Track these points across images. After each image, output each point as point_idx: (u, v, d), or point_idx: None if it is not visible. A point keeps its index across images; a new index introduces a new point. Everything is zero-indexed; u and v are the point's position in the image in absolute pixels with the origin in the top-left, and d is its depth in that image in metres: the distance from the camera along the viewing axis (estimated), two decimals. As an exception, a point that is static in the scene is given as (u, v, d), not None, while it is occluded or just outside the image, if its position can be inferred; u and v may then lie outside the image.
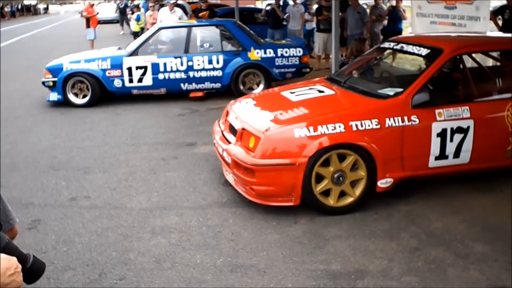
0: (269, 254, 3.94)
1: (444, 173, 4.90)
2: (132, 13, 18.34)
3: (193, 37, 9.60)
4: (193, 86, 9.44)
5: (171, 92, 9.45)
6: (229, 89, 9.46)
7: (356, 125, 4.49)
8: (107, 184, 5.47)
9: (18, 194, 5.28)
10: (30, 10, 65.30)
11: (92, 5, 18.06)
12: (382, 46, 6.32)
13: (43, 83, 9.35)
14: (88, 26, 17.38)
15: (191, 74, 9.33)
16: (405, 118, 4.58)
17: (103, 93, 9.33)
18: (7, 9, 55.08)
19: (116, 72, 9.20)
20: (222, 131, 5.41)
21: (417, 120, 4.60)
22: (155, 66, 9.22)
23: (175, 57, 9.28)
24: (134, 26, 17.50)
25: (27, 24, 40.51)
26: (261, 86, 9.54)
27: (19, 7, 61.71)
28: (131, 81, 9.25)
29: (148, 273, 3.73)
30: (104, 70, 9.18)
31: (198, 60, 9.30)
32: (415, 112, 4.61)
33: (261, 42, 9.84)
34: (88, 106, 9.21)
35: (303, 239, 4.16)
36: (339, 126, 4.46)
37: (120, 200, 5.07)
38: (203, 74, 9.35)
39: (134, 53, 9.34)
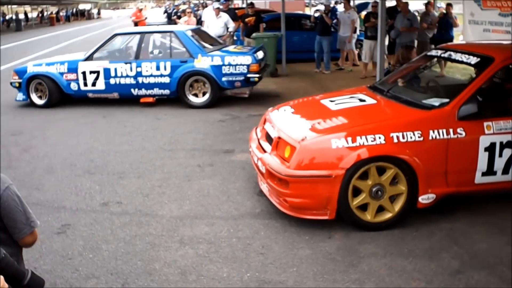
0: (299, 271, 3.74)
1: (491, 190, 4.60)
2: (179, 17, 18.51)
3: (145, 44, 9.75)
4: (143, 91, 9.53)
5: (123, 97, 9.67)
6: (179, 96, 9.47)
7: (398, 137, 4.24)
8: (140, 190, 5.40)
9: (51, 197, 5.27)
10: (84, 15, 67.10)
11: (140, 10, 18.35)
12: (429, 54, 6.01)
13: (11, 83, 10.01)
14: (136, 30, 17.65)
15: (140, 80, 9.40)
16: (451, 130, 4.30)
17: (62, 95, 9.75)
18: (62, 13, 56.82)
19: (72, 76, 9.56)
20: (258, 139, 5.24)
21: (464, 133, 4.31)
22: (106, 71, 9.43)
23: (125, 63, 9.43)
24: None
25: (80, 28, 41.56)
26: (207, 94, 9.38)
27: (74, 11, 63.50)
28: (85, 84, 9.55)
29: (172, 285, 3.60)
30: (62, 74, 9.58)
31: (146, 66, 9.34)
32: (461, 124, 4.33)
33: (211, 50, 9.56)
34: (46, 107, 9.68)
35: (336, 256, 3.95)
36: (379, 138, 4.23)
37: (151, 207, 4.97)
38: (152, 80, 9.39)
39: (89, 58, 9.63)
